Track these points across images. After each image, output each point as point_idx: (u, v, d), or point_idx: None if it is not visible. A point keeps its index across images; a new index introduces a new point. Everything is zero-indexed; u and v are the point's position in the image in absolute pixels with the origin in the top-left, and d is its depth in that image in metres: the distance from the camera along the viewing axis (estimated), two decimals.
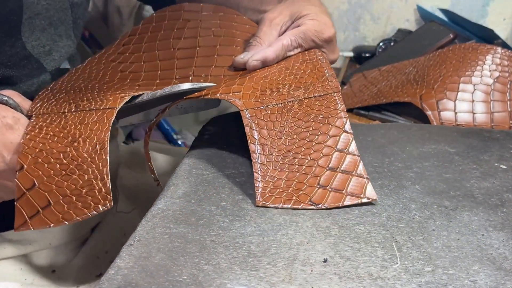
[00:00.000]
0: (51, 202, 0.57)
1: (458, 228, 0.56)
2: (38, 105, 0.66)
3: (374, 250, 0.53)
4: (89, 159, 0.59)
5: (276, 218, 0.57)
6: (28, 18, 0.75)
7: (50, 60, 0.79)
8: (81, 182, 0.58)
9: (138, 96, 0.69)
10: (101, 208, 0.57)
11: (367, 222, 0.57)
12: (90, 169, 0.58)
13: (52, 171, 0.59)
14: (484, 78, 0.96)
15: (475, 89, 0.95)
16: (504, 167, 0.68)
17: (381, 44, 1.36)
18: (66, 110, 0.65)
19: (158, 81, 0.75)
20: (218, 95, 0.66)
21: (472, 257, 0.52)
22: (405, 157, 0.70)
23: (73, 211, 0.57)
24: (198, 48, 0.79)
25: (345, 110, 0.64)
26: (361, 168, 0.61)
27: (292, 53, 0.75)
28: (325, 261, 0.51)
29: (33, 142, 0.61)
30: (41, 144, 0.61)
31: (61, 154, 0.60)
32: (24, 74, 0.76)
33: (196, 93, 0.68)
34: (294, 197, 0.59)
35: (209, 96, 0.67)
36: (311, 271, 0.50)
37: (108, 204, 0.57)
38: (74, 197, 0.57)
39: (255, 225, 0.56)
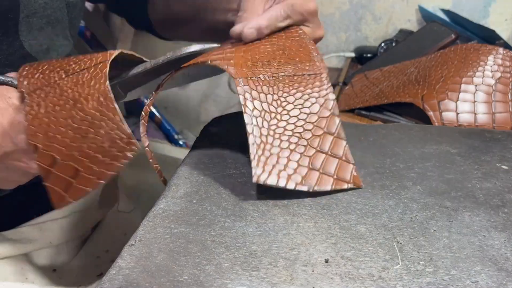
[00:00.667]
0: (80, 169, 0.57)
1: (459, 228, 0.56)
2: (25, 83, 0.63)
3: (375, 250, 0.53)
4: (98, 114, 0.58)
5: (278, 219, 0.57)
6: (25, 17, 0.75)
7: (48, 58, 0.79)
8: (99, 138, 0.57)
9: (140, 66, 0.67)
10: (129, 155, 0.56)
11: (368, 223, 0.57)
12: (103, 123, 0.57)
13: (67, 140, 0.57)
14: (485, 78, 0.96)
15: (476, 90, 0.95)
16: (506, 167, 0.68)
17: (382, 44, 1.37)
18: (57, 79, 0.63)
19: None
20: (212, 62, 0.65)
21: (474, 257, 0.52)
22: (407, 158, 0.70)
23: (104, 168, 0.56)
24: None
25: (333, 92, 0.64)
26: (348, 153, 0.62)
27: (282, 24, 0.75)
28: (327, 261, 0.51)
29: (37, 120, 0.59)
30: (46, 119, 0.59)
31: (69, 120, 0.58)
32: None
33: (191, 61, 0.67)
34: (288, 176, 0.59)
35: (207, 63, 0.66)
36: (313, 271, 0.50)
37: (135, 148, 0.57)
38: (99, 155, 0.56)
39: (256, 226, 0.56)
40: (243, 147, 0.69)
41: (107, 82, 0.59)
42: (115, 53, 0.63)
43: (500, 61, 0.98)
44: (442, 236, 0.55)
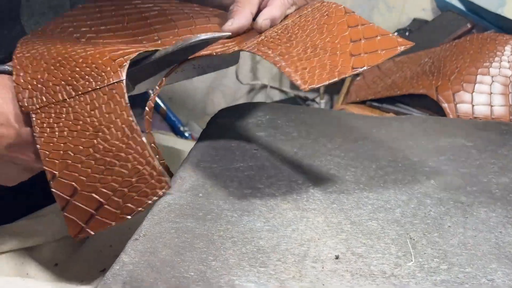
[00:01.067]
0: (103, 202, 0.55)
1: (475, 225, 0.56)
2: (26, 94, 0.61)
3: (387, 247, 0.53)
4: (123, 146, 0.56)
5: (286, 213, 0.57)
6: (26, 1, 0.75)
7: None
8: (126, 172, 0.55)
9: (149, 57, 0.66)
10: (160, 193, 0.56)
11: (380, 218, 0.57)
12: (130, 156, 0.56)
13: (89, 170, 0.56)
14: (502, 69, 0.95)
15: (493, 81, 0.94)
16: None
17: (395, 34, 1.36)
18: (65, 97, 0.60)
19: (140, 37, 0.71)
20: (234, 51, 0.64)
21: (490, 255, 0.52)
22: (420, 151, 0.70)
23: (131, 203, 0.55)
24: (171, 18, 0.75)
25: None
26: (383, 29, 0.61)
27: (290, 11, 0.74)
28: (337, 257, 0.51)
29: (51, 145, 0.58)
30: (62, 145, 0.57)
31: (90, 149, 0.56)
32: None
33: (218, 49, 0.65)
34: (335, 71, 0.57)
35: (227, 52, 0.64)
36: (322, 268, 0.50)
37: (166, 186, 0.56)
38: (126, 189, 0.55)
39: (264, 220, 0.56)
40: (251, 139, 0.69)
41: (131, 111, 0.58)
42: (125, 66, 0.60)
43: None
44: (457, 232, 0.55)
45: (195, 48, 0.65)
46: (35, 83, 0.61)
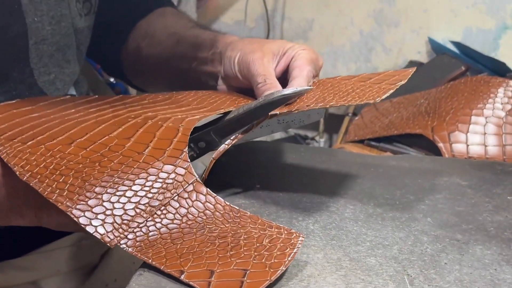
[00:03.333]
0: (246, 269, 0.50)
1: (470, 262, 0.56)
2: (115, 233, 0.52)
3: (385, 283, 0.52)
4: (238, 227, 0.54)
5: None
6: (34, 44, 0.76)
7: (54, 89, 0.80)
8: (254, 241, 0.53)
9: (233, 112, 0.66)
10: (298, 246, 0.52)
11: (378, 255, 0.56)
12: (252, 230, 0.54)
13: (216, 256, 0.51)
14: (496, 111, 0.96)
15: (487, 122, 0.95)
16: None
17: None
18: (147, 215, 0.54)
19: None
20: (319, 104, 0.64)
21: None
22: (417, 190, 0.70)
23: (276, 261, 0.51)
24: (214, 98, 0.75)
25: None
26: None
27: (311, 83, 0.74)
28: None
29: (172, 245, 0.52)
30: (177, 245, 0.52)
31: (208, 243, 0.52)
32: None
33: (288, 106, 0.65)
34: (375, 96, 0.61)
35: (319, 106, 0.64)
36: None
37: (300, 237, 0.53)
38: (263, 252, 0.52)
39: None
40: (253, 176, 0.69)
41: (223, 201, 0.57)
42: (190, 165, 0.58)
43: (510, 93, 0.98)
44: (453, 269, 0.55)
45: (277, 104, 0.65)
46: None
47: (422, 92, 1.11)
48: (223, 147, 0.65)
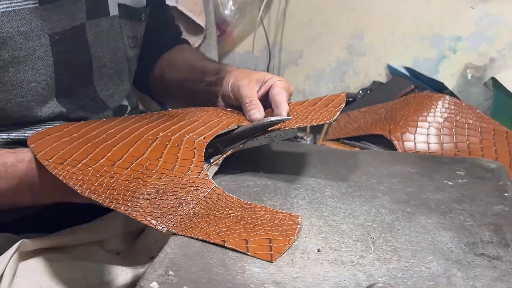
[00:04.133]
0: (271, 238, 0.51)
1: (417, 228, 0.56)
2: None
3: (354, 243, 0.52)
4: (250, 213, 0.55)
5: None
6: (97, 68, 0.76)
7: (112, 101, 0.80)
8: (268, 221, 0.53)
9: (237, 130, 0.68)
10: (298, 225, 0.53)
11: (349, 223, 0.57)
12: (264, 215, 0.54)
13: (243, 231, 0.52)
14: (436, 118, 0.96)
15: (429, 126, 0.95)
16: (451, 183, 0.67)
17: (360, 92, 1.37)
18: (186, 210, 0.54)
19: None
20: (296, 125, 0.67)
21: (427, 250, 0.52)
22: (378, 175, 0.69)
23: (286, 233, 0.52)
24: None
25: None
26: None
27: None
28: (318, 250, 0.51)
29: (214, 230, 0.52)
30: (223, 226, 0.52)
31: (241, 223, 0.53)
32: (91, 111, 0.76)
33: (284, 126, 0.67)
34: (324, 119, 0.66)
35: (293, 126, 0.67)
36: (308, 258, 0.50)
37: (299, 219, 0.54)
38: (275, 232, 0.52)
39: None
40: (258, 165, 0.69)
41: (236, 198, 0.57)
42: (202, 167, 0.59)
43: (446, 105, 0.98)
44: (404, 233, 0.55)
45: (266, 127, 0.68)
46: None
47: (382, 104, 1.11)
48: (228, 152, 0.67)
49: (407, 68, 1.42)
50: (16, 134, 0.70)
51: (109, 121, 0.70)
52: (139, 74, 0.93)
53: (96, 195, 0.52)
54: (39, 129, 0.69)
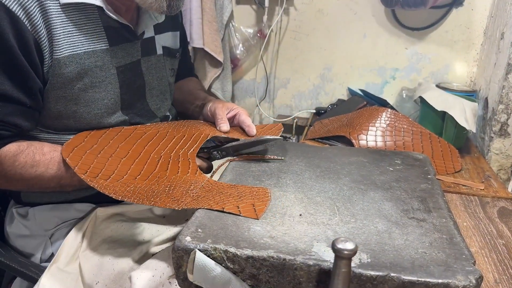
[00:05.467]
0: (253, 204, 0.52)
1: (368, 199, 0.56)
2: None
3: (325, 210, 0.52)
4: (253, 191, 0.55)
5: (275, 193, 0.57)
6: (148, 90, 0.76)
7: (159, 112, 0.80)
8: (254, 193, 0.54)
9: (234, 142, 0.68)
10: (269, 196, 0.54)
11: (321, 196, 0.56)
12: (256, 191, 0.55)
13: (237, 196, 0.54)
14: (381, 124, 0.95)
15: (376, 129, 0.94)
16: (391, 169, 0.67)
17: (329, 106, 1.36)
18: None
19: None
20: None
21: (375, 214, 0.52)
22: (341, 163, 0.69)
23: (260, 202, 0.52)
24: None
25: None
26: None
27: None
28: (300, 215, 0.51)
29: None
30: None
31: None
32: (145, 119, 0.76)
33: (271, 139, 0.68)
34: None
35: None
36: (293, 220, 0.50)
37: (269, 190, 0.55)
38: (253, 199, 0.53)
39: None
40: (260, 161, 0.69)
41: (225, 182, 0.57)
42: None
43: (388, 115, 0.97)
44: (359, 203, 0.55)
45: (264, 142, 0.68)
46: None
47: (344, 115, 1.10)
48: (234, 157, 0.68)
49: (362, 90, 1.41)
50: None
51: (116, 131, 0.68)
52: None
53: (127, 198, 0.52)
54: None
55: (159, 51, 0.78)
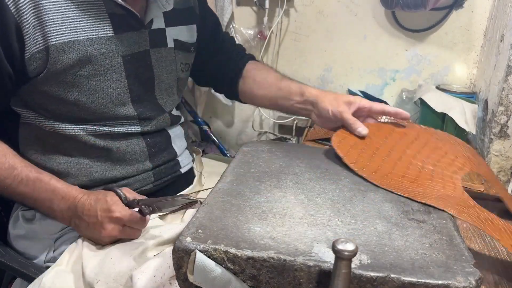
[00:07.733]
0: None
1: (368, 201, 0.56)
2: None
3: (325, 211, 0.52)
4: None
5: (276, 194, 0.57)
6: (157, 83, 0.75)
7: (167, 106, 0.79)
8: None
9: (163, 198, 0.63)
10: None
11: (322, 197, 0.56)
12: None
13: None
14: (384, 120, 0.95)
15: None
16: None
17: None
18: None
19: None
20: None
21: (375, 216, 0.52)
22: (342, 164, 0.68)
23: None
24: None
25: None
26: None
27: None
28: (301, 217, 0.51)
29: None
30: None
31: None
32: (154, 114, 0.76)
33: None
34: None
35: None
36: (293, 221, 0.50)
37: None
38: None
39: (265, 197, 0.55)
40: (259, 158, 0.69)
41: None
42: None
43: (389, 117, 0.97)
44: (359, 204, 0.55)
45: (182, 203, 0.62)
46: None
47: None
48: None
49: (362, 91, 1.41)
50: (99, 128, 0.69)
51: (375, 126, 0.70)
52: (227, 85, 0.89)
53: (382, 185, 0.57)
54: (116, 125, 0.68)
55: (170, 44, 0.77)
